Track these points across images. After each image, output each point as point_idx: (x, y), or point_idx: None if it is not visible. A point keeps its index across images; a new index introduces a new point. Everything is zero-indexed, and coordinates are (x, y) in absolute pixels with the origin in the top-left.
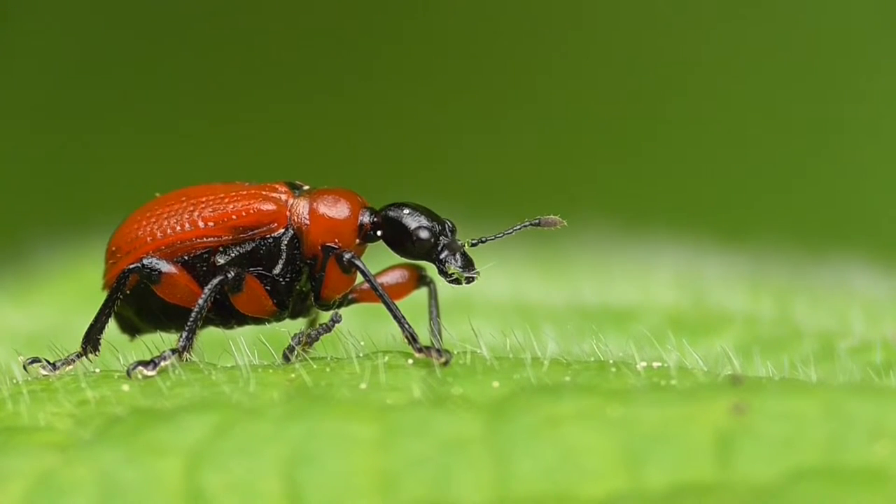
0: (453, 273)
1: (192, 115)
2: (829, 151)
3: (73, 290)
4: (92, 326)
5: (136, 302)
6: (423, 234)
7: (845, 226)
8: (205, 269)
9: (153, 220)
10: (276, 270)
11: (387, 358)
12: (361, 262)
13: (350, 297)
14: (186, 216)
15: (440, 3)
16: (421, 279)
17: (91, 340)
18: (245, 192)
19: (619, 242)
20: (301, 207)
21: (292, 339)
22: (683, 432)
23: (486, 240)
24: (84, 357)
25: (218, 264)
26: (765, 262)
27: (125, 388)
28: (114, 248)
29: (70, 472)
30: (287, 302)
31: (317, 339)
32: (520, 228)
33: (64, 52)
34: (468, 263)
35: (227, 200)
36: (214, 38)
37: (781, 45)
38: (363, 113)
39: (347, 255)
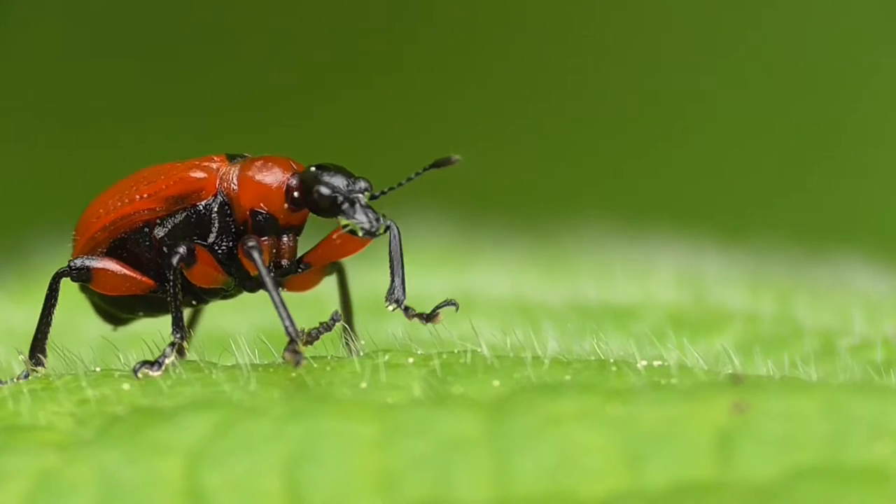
0: (347, 225)
1: (193, 114)
2: (829, 149)
3: (74, 288)
4: (35, 338)
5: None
6: (324, 190)
7: (846, 223)
8: (147, 243)
9: (104, 200)
10: (211, 239)
11: (387, 357)
12: (259, 254)
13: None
14: (127, 192)
15: (441, 3)
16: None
17: (34, 355)
18: (180, 165)
19: (619, 241)
20: (232, 174)
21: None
22: (684, 431)
23: (387, 191)
24: (34, 371)
25: (158, 237)
26: (765, 260)
27: (126, 386)
28: (74, 233)
29: (70, 471)
30: (231, 270)
31: (317, 337)
32: (421, 173)
33: (66, 49)
34: (367, 216)
35: (161, 174)
36: (216, 38)
37: (781, 43)
38: (366, 111)
39: (249, 243)
